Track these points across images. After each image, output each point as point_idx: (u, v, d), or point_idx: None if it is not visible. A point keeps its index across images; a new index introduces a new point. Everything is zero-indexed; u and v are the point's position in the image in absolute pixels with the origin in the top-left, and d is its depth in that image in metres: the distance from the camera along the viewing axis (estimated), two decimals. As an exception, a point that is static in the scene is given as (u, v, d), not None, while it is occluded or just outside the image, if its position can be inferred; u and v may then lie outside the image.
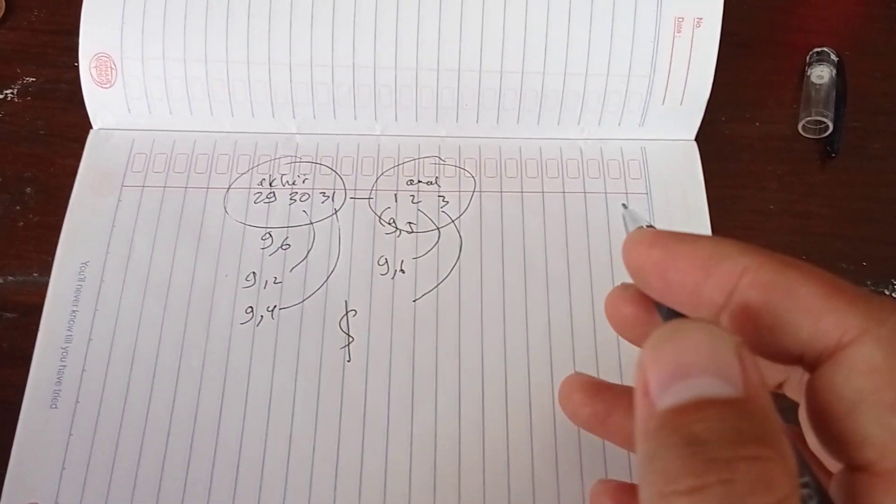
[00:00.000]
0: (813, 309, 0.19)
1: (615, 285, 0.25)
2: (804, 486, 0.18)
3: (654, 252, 0.22)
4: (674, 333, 0.18)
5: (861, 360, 0.18)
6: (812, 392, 0.20)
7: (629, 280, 0.39)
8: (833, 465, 0.21)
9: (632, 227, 0.25)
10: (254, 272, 0.40)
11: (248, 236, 0.41)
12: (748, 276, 0.20)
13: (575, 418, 0.26)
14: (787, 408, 0.21)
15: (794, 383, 0.24)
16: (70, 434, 0.36)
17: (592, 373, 0.38)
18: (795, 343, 0.19)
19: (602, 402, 0.25)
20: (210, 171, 0.43)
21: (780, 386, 0.25)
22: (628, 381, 0.38)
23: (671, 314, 0.22)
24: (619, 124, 0.44)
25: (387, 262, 0.41)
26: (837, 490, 0.19)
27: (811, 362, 0.20)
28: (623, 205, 0.27)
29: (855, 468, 0.19)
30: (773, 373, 0.24)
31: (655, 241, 0.22)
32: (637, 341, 0.25)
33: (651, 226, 0.25)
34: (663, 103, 0.44)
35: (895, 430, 0.18)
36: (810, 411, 0.20)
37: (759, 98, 0.47)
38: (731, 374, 0.17)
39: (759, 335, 0.20)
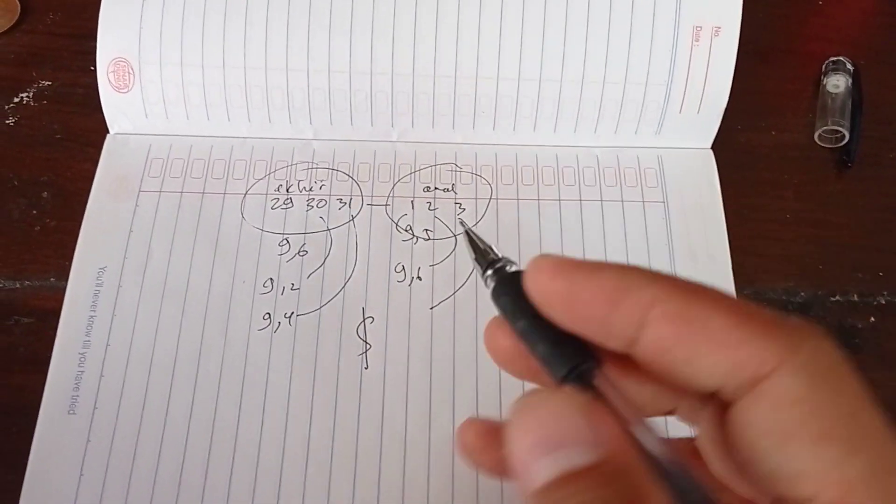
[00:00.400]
0: (726, 341, 0.19)
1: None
2: None
3: (558, 283, 0.20)
4: (530, 409, 0.19)
5: (783, 393, 0.18)
6: (735, 428, 0.19)
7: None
8: (740, 489, 0.21)
9: (480, 247, 0.24)
10: (271, 278, 0.40)
11: (266, 242, 0.41)
12: (657, 308, 0.19)
13: (480, 467, 0.23)
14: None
15: (685, 409, 0.23)
16: (88, 440, 0.36)
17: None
18: (712, 377, 0.19)
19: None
20: (227, 177, 0.43)
21: (671, 412, 0.23)
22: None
23: (544, 357, 0.21)
24: (636, 132, 0.44)
25: (404, 269, 0.41)
26: None
27: (729, 395, 0.19)
28: (461, 221, 0.25)
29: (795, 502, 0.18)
30: (664, 400, 0.23)
31: (558, 271, 0.20)
32: (518, 374, 0.23)
33: (493, 251, 0.24)
34: (680, 112, 0.44)
35: (831, 461, 0.18)
36: (734, 448, 0.19)
37: (775, 107, 0.47)
38: (590, 436, 0.18)
39: (673, 368, 0.20)
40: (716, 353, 0.19)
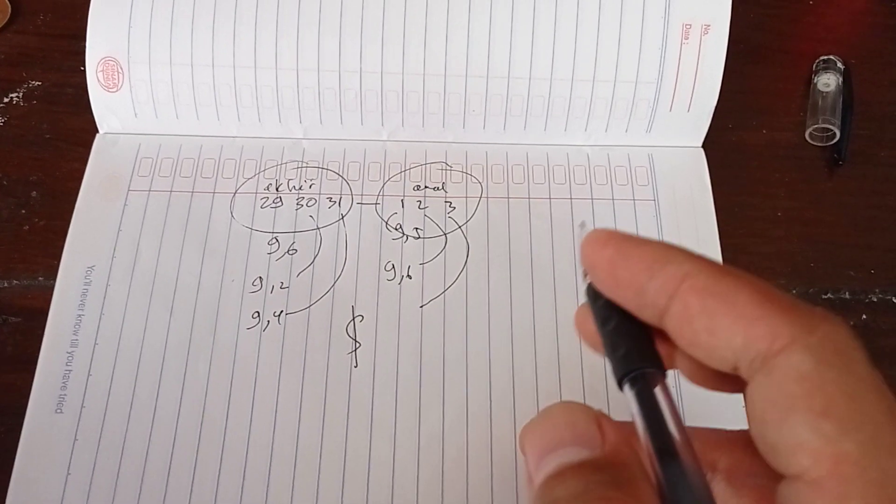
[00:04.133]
0: (746, 314, 0.20)
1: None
2: None
3: (607, 250, 0.22)
4: (540, 418, 0.22)
5: (791, 369, 0.19)
6: (750, 401, 0.20)
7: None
8: None
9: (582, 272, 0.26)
10: (260, 277, 0.40)
11: (255, 241, 0.41)
12: (688, 281, 0.21)
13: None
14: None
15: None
16: (75, 439, 0.36)
17: (600, 377, 0.38)
18: (730, 349, 0.20)
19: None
20: (216, 176, 0.43)
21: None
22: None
23: (609, 341, 0.23)
24: (627, 131, 0.44)
25: (394, 267, 0.41)
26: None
27: (746, 370, 0.20)
28: (582, 224, 0.27)
29: (791, 477, 0.19)
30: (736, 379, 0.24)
31: (609, 240, 0.23)
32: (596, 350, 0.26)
33: None
34: (671, 110, 0.44)
35: (827, 436, 0.18)
36: (750, 421, 0.20)
37: (766, 105, 0.47)
38: (590, 439, 0.20)
39: (696, 339, 0.21)
40: (734, 325, 0.20)
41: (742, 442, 0.23)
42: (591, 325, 0.24)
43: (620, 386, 0.22)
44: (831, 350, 0.19)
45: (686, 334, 0.21)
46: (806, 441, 0.18)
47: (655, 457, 0.20)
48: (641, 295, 0.22)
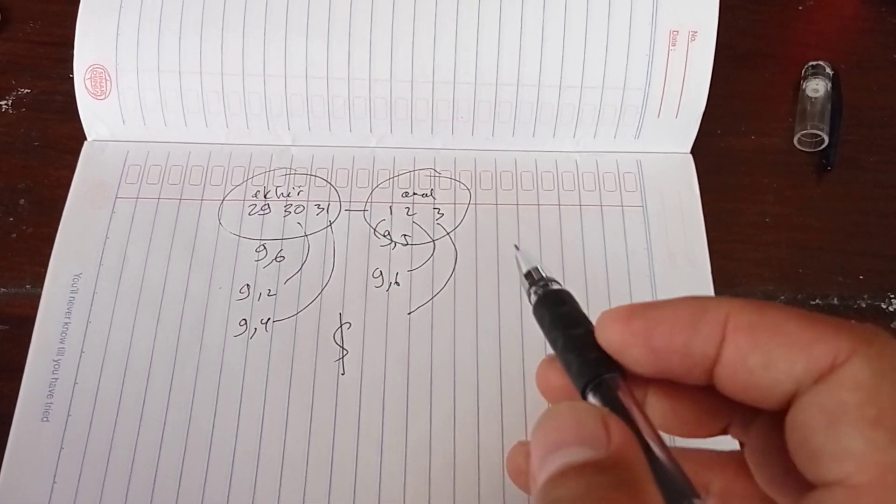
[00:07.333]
0: (801, 340, 0.20)
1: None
2: None
3: (636, 323, 0.22)
4: (546, 417, 0.21)
5: (848, 377, 0.19)
6: (796, 410, 0.20)
7: (616, 303, 0.39)
8: (783, 500, 0.22)
9: (525, 268, 0.26)
10: (248, 284, 0.40)
11: (243, 248, 0.41)
12: (732, 321, 0.20)
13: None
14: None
15: (738, 426, 0.24)
16: (61, 447, 0.36)
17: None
18: (790, 379, 0.20)
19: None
20: (204, 183, 0.43)
21: (724, 430, 0.25)
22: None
23: (563, 358, 0.23)
24: (615, 137, 0.44)
25: (381, 274, 0.41)
26: None
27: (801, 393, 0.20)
28: (515, 245, 0.29)
29: (830, 483, 0.19)
30: (716, 419, 0.24)
31: (633, 313, 0.22)
32: None
33: (540, 271, 0.26)
34: (659, 116, 0.44)
35: (876, 444, 0.18)
36: (791, 430, 0.20)
37: (754, 111, 0.47)
38: (595, 439, 0.19)
39: (752, 379, 0.20)
40: (791, 353, 0.20)
41: (734, 464, 0.24)
42: (555, 381, 0.24)
43: (584, 396, 0.22)
44: (887, 362, 0.19)
45: (741, 377, 0.21)
46: (854, 447, 0.18)
47: None
48: (687, 355, 0.21)
